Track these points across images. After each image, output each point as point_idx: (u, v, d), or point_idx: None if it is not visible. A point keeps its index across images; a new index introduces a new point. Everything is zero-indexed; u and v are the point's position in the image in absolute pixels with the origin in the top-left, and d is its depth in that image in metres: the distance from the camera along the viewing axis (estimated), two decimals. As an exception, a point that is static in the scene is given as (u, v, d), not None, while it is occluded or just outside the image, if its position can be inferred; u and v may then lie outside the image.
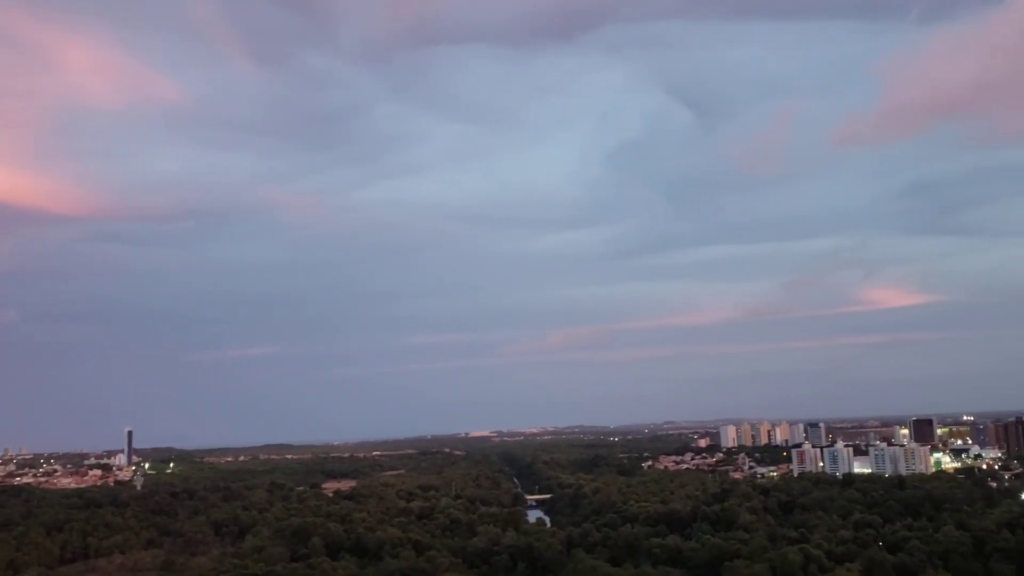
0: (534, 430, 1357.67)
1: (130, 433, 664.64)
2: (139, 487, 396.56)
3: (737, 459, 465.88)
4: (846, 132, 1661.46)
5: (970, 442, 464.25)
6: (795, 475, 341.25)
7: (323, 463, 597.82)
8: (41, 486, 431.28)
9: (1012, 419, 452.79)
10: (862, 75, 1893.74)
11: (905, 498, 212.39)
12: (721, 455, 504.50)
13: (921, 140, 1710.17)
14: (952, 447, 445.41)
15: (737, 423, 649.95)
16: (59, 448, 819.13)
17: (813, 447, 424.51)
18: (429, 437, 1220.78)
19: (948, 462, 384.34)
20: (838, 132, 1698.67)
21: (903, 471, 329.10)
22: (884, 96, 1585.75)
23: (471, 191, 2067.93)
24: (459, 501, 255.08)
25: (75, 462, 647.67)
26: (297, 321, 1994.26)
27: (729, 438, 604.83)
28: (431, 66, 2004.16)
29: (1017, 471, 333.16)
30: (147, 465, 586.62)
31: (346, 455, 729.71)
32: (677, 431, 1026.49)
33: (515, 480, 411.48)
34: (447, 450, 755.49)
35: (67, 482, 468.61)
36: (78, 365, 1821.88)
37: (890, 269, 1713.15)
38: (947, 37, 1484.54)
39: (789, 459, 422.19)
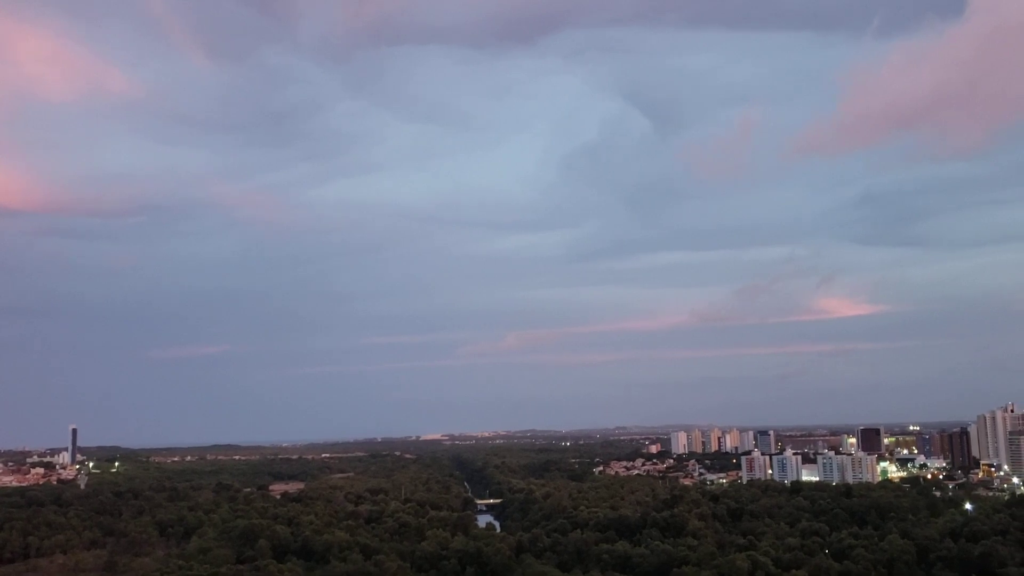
0: (486, 433, 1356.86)
1: (75, 431, 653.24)
2: (83, 486, 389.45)
3: (687, 465, 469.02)
4: (803, 141, 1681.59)
5: (916, 452, 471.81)
6: (744, 482, 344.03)
7: (271, 464, 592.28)
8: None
9: (956, 429, 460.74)
10: (820, 85, 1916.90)
11: (851, 506, 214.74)
12: (672, 461, 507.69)
13: (877, 151, 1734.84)
14: (898, 456, 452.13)
15: (688, 429, 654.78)
16: (1, 445, 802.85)
17: (762, 455, 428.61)
18: (379, 440, 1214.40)
19: (894, 471, 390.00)
20: (795, 141, 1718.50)
21: (850, 479, 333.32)
22: (842, 107, 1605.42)
23: (429, 191, 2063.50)
24: (408, 505, 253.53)
25: (17, 460, 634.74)
26: (249, 320, 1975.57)
27: (680, 444, 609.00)
28: (391, 65, 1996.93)
29: (960, 481, 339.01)
30: (92, 464, 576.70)
31: (295, 457, 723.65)
32: (629, 436, 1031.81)
33: (466, 484, 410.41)
34: (397, 453, 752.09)
35: (8, 480, 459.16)
36: (23, 361, 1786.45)
37: (842, 278, 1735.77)
38: (905, 50, 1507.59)
39: (739, 466, 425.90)
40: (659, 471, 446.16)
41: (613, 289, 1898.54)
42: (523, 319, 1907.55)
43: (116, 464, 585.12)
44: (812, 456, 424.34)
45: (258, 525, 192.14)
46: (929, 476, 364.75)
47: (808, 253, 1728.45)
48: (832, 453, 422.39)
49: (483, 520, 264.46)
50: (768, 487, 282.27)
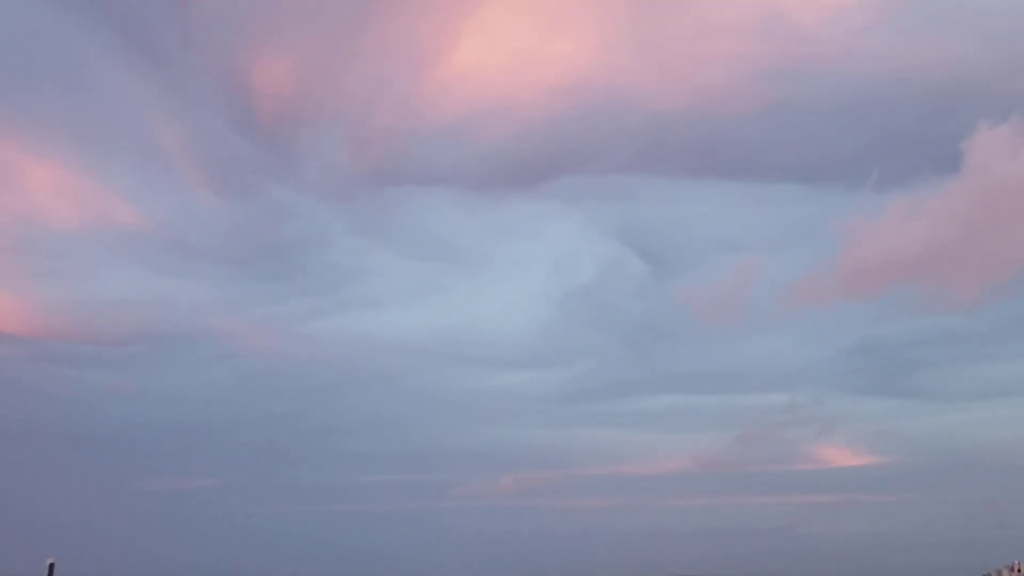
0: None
1: (51, 565, 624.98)
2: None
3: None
4: (803, 290, 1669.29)
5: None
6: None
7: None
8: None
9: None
10: (819, 236, 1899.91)
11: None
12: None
13: (875, 301, 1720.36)
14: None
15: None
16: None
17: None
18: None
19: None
20: (795, 289, 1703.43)
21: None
22: (841, 257, 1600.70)
23: (427, 327, 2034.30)
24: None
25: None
26: (242, 452, 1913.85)
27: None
28: (393, 204, 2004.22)
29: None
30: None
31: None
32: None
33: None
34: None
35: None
36: (3, 489, 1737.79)
37: (843, 427, 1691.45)
38: (903, 204, 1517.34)
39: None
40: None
41: (610, 431, 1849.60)
42: (519, 460, 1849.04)
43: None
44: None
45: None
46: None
47: (808, 401, 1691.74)
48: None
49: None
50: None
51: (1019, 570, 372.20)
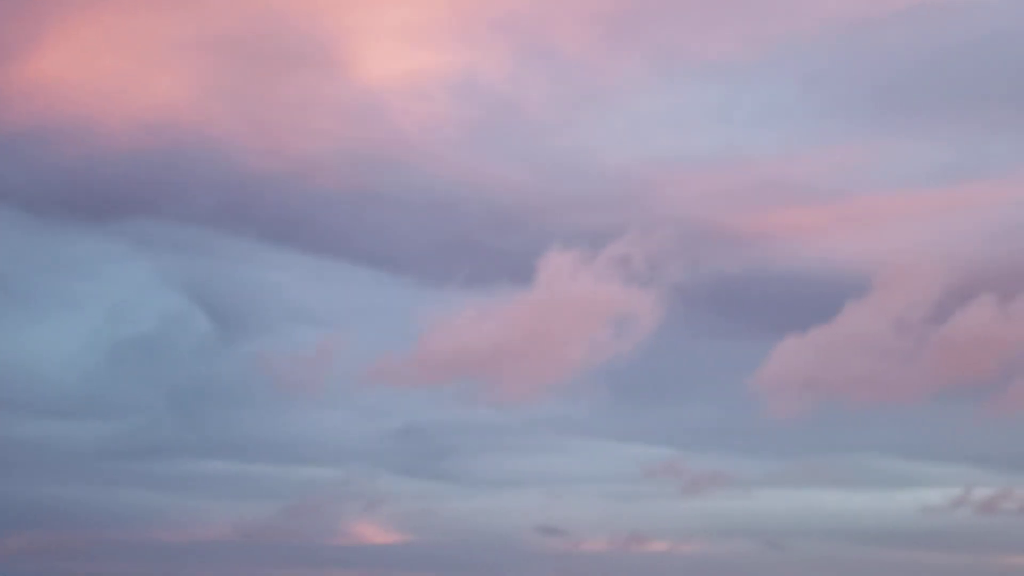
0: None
1: None
2: None
3: None
4: (376, 371, 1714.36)
5: None
6: None
7: None
8: None
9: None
10: (400, 323, 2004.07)
11: None
12: None
13: (439, 390, 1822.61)
14: None
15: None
16: None
17: None
18: None
19: None
20: (369, 369, 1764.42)
21: None
22: (417, 345, 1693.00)
23: None
24: None
25: None
26: None
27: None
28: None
29: None
30: None
31: None
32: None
33: None
34: None
35: None
36: None
37: (382, 506, 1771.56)
38: (480, 305, 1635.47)
39: None
40: None
41: (149, 494, 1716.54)
42: (37, 519, 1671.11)
43: None
44: None
45: None
46: None
47: (359, 477, 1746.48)
48: None
49: None
50: None
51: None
